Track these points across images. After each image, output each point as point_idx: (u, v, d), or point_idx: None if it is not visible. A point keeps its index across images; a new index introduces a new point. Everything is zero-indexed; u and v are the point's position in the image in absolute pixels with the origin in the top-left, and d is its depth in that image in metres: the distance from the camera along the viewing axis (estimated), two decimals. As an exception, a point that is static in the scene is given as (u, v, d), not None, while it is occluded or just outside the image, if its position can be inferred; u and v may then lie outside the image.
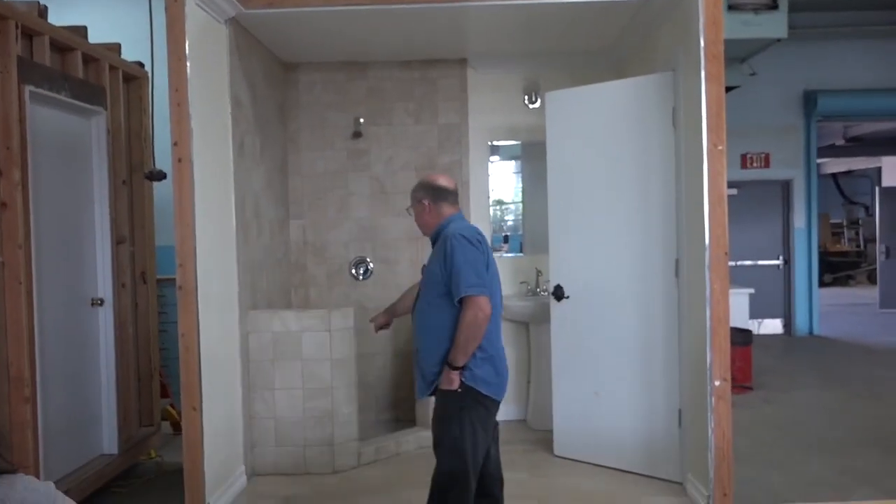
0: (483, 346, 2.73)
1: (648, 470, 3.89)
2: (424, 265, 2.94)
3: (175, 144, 3.33)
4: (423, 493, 3.68)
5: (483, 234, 2.85)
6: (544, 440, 4.47)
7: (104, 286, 4.49)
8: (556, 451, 4.26)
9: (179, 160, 3.33)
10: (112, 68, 4.64)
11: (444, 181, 2.94)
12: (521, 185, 5.40)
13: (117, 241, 4.61)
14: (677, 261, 3.75)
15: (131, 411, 4.74)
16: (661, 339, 3.84)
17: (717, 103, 3.28)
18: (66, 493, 3.80)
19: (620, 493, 3.70)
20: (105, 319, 4.49)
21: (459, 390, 2.70)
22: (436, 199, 2.89)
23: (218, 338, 3.65)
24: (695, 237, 3.50)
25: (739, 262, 9.12)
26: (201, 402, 3.37)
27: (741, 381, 6.13)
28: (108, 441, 4.51)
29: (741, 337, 6.28)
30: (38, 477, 3.64)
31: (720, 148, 3.29)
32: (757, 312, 8.53)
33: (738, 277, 8.25)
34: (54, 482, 3.83)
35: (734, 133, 8.53)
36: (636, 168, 3.90)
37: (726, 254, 3.33)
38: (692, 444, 3.63)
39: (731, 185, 8.98)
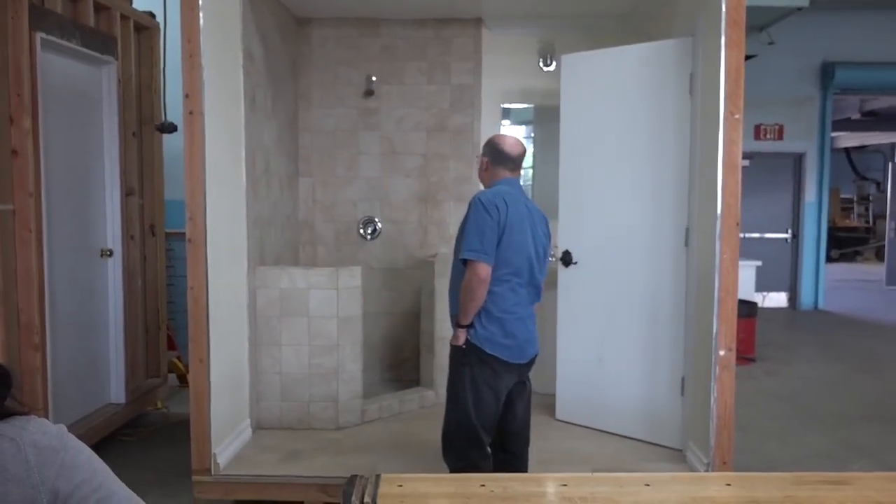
0: (488, 308, 2.82)
1: (649, 436, 3.92)
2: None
3: (187, 96, 3.30)
4: (425, 451, 3.75)
5: (512, 200, 2.87)
6: (546, 404, 4.50)
7: (113, 237, 4.52)
8: (558, 416, 4.29)
9: (191, 112, 3.30)
10: (123, 18, 4.60)
11: (508, 147, 3.01)
12: (532, 149, 5.35)
13: (126, 193, 4.62)
14: (687, 229, 3.73)
15: (139, 362, 4.80)
16: (667, 308, 3.84)
17: (736, 70, 3.23)
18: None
19: (620, 457, 3.73)
20: (114, 270, 4.53)
21: (464, 346, 2.85)
22: (494, 161, 3.00)
23: (226, 292, 3.66)
24: (707, 206, 3.47)
25: (747, 235, 9.08)
26: (209, 354, 3.40)
27: (744, 353, 6.16)
28: (116, 390, 4.58)
29: (746, 309, 6.28)
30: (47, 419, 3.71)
31: (737, 116, 3.25)
32: (763, 285, 8.53)
33: (746, 250, 8.16)
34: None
35: (749, 104, 8.42)
36: (650, 135, 3.86)
37: (738, 224, 3.31)
38: (694, 412, 3.66)
39: (743, 156, 8.95)
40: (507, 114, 5.17)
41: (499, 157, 2.99)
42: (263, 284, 4.04)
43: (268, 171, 4.30)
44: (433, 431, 4.04)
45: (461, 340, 2.86)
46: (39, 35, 3.65)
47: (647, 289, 3.90)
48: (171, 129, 3.60)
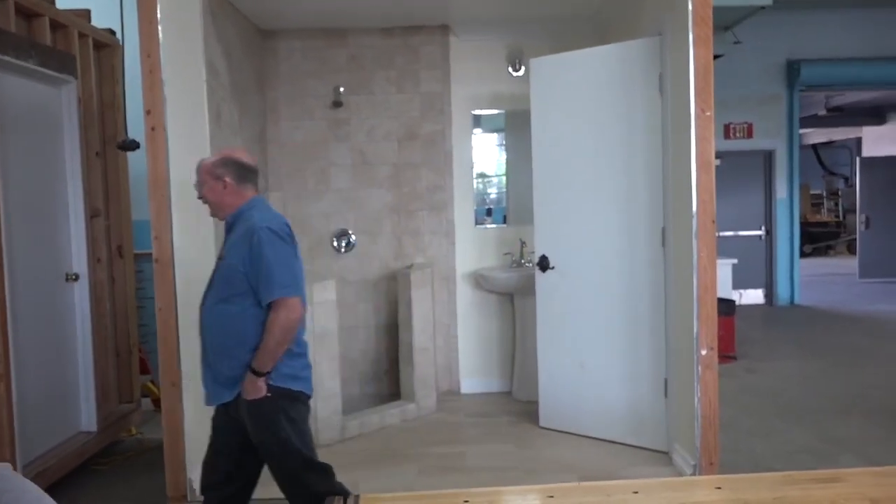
0: (289, 346, 2.50)
1: (635, 440, 3.88)
2: (220, 256, 2.65)
3: (148, 113, 3.22)
4: (408, 467, 3.67)
5: (289, 225, 2.60)
6: (529, 412, 4.45)
7: (78, 261, 4.38)
8: (542, 423, 4.24)
9: (153, 129, 3.22)
10: (82, 35, 4.48)
11: (248, 159, 2.65)
12: (504, 157, 5.31)
13: (91, 215, 4.49)
14: (663, 229, 3.71)
15: (110, 388, 4.66)
16: (647, 309, 3.81)
17: (704, 68, 3.22)
18: (44, 471, 3.74)
19: (606, 463, 3.68)
20: (80, 295, 4.39)
21: (269, 395, 2.47)
22: (240, 180, 2.59)
23: (196, 312, 3.55)
24: (681, 205, 3.45)
25: (722, 233, 9.12)
26: (181, 377, 3.29)
27: (724, 351, 6.14)
28: (87, 418, 4.43)
29: (724, 307, 6.28)
30: (14, 455, 3.57)
31: (708, 114, 3.24)
32: (739, 283, 8.56)
33: (721, 248, 8.16)
34: (31, 460, 3.75)
35: (718, 103, 8.46)
36: (622, 136, 3.83)
37: (713, 221, 3.29)
38: (678, 414, 3.62)
39: (715, 155, 9.02)
40: (477, 122, 5.13)
41: (244, 174, 2.60)
42: (236, 302, 3.94)
43: (236, 187, 4.20)
44: (416, 446, 3.99)
45: (263, 391, 2.46)
46: (-7, 55, 3.53)
47: (626, 290, 3.87)
48: (133, 146, 3.51)
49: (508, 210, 5.22)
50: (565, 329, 4.10)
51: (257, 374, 2.44)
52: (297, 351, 2.57)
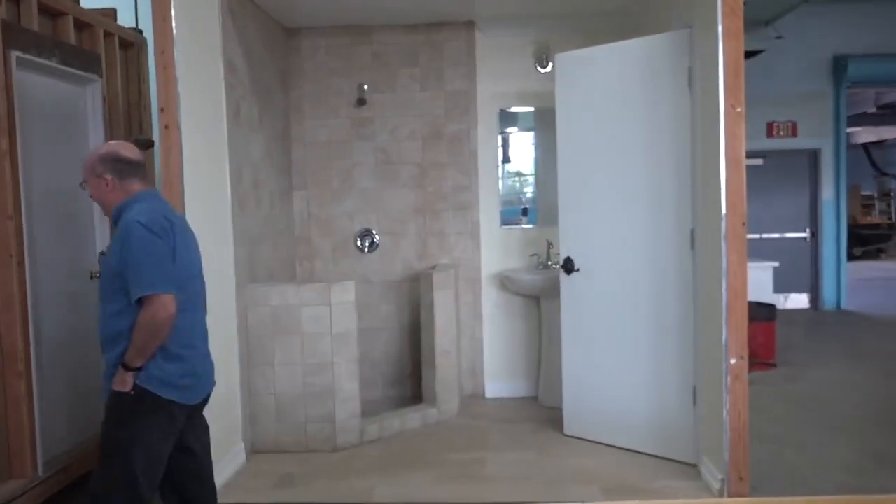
0: (167, 346, 2.37)
1: (661, 451, 3.72)
2: (103, 251, 2.53)
3: (162, 110, 3.18)
4: (425, 474, 3.58)
5: (174, 217, 2.50)
6: (554, 418, 4.32)
7: (103, 259, 4.39)
8: (566, 431, 4.10)
9: (167, 127, 3.18)
10: (107, 34, 4.50)
11: (129, 152, 2.52)
12: (534, 155, 5.17)
13: (116, 214, 4.51)
14: (692, 231, 3.55)
15: (135, 385, 4.67)
16: (675, 314, 3.65)
17: (735, 61, 3.05)
18: (67, 468, 3.74)
19: (631, 474, 3.54)
20: (104, 293, 4.40)
21: (132, 393, 2.35)
22: (122, 175, 2.46)
23: (211, 312, 3.51)
24: (711, 206, 3.29)
25: (764, 235, 8.85)
26: (193, 378, 3.25)
27: (764, 358, 5.92)
28: (112, 415, 4.43)
29: (764, 312, 6.06)
30: (35, 451, 3.58)
31: (738, 110, 3.07)
32: (782, 286, 8.28)
33: (763, 250, 7.99)
34: (55, 456, 3.75)
35: (760, 101, 8.23)
36: (650, 133, 3.68)
37: (744, 224, 3.12)
38: (707, 425, 3.46)
39: (756, 154, 8.73)
40: (512, 120, 5.00)
41: (125, 169, 2.46)
42: (254, 302, 3.90)
43: (256, 186, 4.17)
44: (435, 451, 3.90)
45: (128, 386, 2.34)
46: (15, 53, 3.54)
47: (653, 295, 3.72)
48: (148, 144, 3.48)
49: (538, 210, 5.08)
50: (590, 333, 3.96)
51: (126, 367, 2.34)
52: (175, 353, 2.41)
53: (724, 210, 3.11)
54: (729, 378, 3.15)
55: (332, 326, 3.89)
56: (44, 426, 3.73)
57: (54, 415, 3.88)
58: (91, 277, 4.30)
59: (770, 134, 8.68)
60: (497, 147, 4.96)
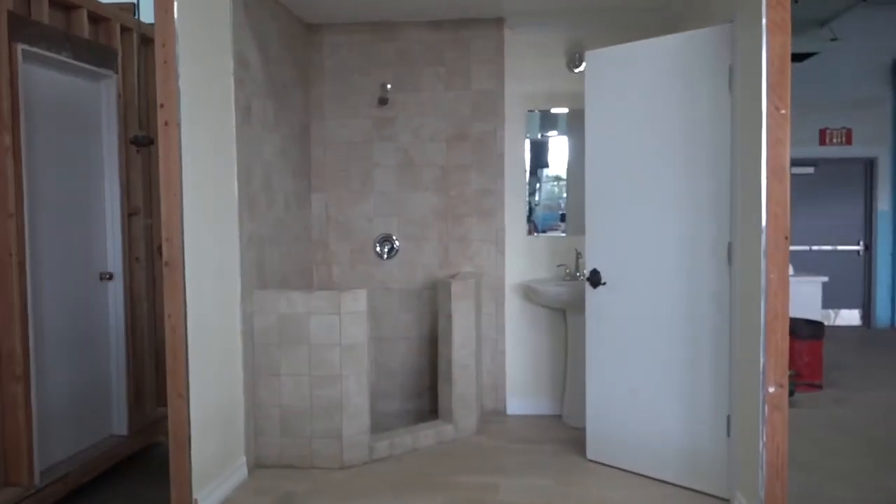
0: None
1: (691, 482, 3.42)
2: None
3: (161, 106, 3.02)
4: (432, 498, 3.35)
5: None
6: (578, 440, 4.05)
7: (114, 260, 4.27)
8: (589, 455, 3.83)
9: (166, 123, 3.02)
10: (125, 29, 4.39)
11: None
12: (568, 158, 4.90)
13: (130, 213, 4.39)
14: (730, 245, 3.25)
15: (145, 391, 4.54)
16: (709, 335, 3.35)
17: (780, 57, 2.75)
18: (67, 475, 3.61)
19: (656, 507, 3.25)
20: (114, 294, 4.28)
21: None
22: None
23: (214, 319, 3.36)
24: (751, 218, 2.99)
25: (814, 248, 8.41)
26: (188, 388, 3.08)
27: (810, 379, 5.57)
28: (118, 421, 4.31)
29: (811, 330, 5.69)
30: (31, 457, 3.46)
31: (783, 112, 2.77)
32: (832, 302, 7.84)
33: (812, 264, 7.57)
34: (55, 462, 3.62)
35: (813, 106, 7.81)
36: (686, 137, 3.39)
37: (787, 238, 2.81)
38: (742, 457, 3.15)
39: (807, 162, 8.30)
40: (552, 122, 4.71)
41: None
42: (260, 309, 3.73)
43: (269, 187, 3.99)
44: (447, 473, 3.66)
45: None
46: (21, 46, 3.43)
47: (686, 313, 3.42)
48: (146, 142, 3.33)
49: (568, 218, 4.81)
50: (617, 352, 3.68)
51: None
52: None
53: (764, 222, 2.81)
54: (766, 408, 2.85)
55: (342, 337, 3.68)
56: (42, 433, 3.60)
57: (54, 422, 3.76)
58: (101, 279, 4.19)
59: (823, 141, 8.24)
60: (524, 150, 4.70)
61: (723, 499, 3.30)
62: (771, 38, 2.76)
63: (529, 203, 4.74)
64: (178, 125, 3.02)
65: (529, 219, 4.74)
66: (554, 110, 4.68)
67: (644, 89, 3.53)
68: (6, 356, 3.41)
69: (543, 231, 4.76)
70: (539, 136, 4.74)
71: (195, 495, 3.13)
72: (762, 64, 2.78)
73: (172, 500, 3.13)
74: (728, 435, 3.29)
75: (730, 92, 3.22)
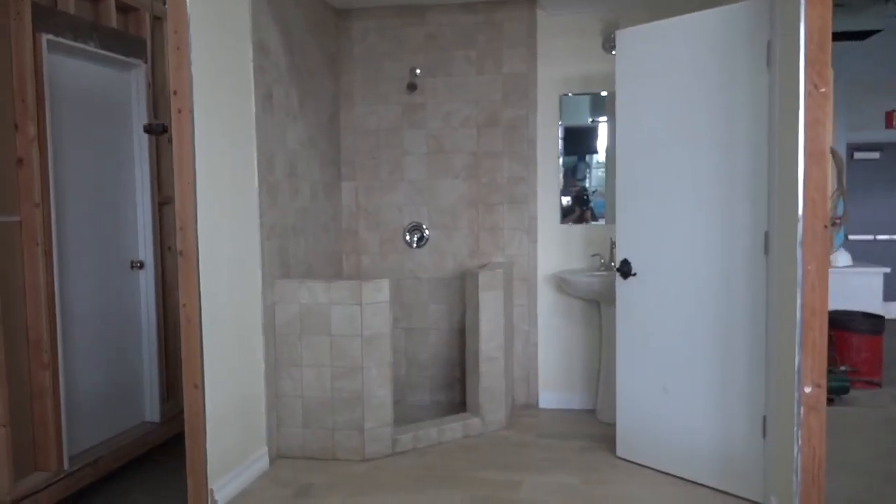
0: None
1: (724, 485, 3.24)
2: None
3: (174, 93, 2.99)
4: (452, 494, 3.26)
5: None
6: (610, 436, 3.90)
7: (145, 248, 4.30)
8: (619, 453, 3.68)
9: (179, 111, 2.99)
10: (156, 19, 4.40)
11: None
12: (607, 144, 4.71)
13: (161, 202, 4.42)
14: (767, 234, 3.04)
15: (177, 380, 4.58)
16: (744, 330, 3.15)
17: (820, 30, 2.54)
18: (97, 460, 3.66)
19: (686, 510, 3.09)
20: (145, 283, 4.31)
21: None
22: None
23: (232, 309, 3.33)
24: (788, 205, 2.78)
25: (879, 237, 7.97)
26: (203, 379, 3.07)
27: (868, 376, 5.28)
28: (151, 409, 4.36)
29: (870, 324, 5.39)
30: (60, 443, 3.51)
31: (822, 90, 2.55)
32: (893, 294, 7.39)
33: (875, 254, 7.17)
34: (85, 449, 3.67)
35: (877, 88, 7.38)
36: (721, 119, 3.19)
37: (826, 227, 2.60)
38: (778, 460, 2.96)
39: (872, 147, 7.85)
40: (602, 107, 4.52)
41: None
42: (282, 299, 3.69)
43: (293, 175, 3.95)
44: (470, 468, 3.57)
45: None
46: (46, 37, 3.45)
47: (720, 306, 3.23)
48: (159, 130, 3.31)
49: (607, 205, 4.62)
50: (647, 346, 3.51)
51: None
52: None
53: (801, 210, 2.60)
54: (802, 409, 2.65)
55: (363, 328, 3.62)
56: (71, 419, 3.65)
57: (84, 408, 3.81)
58: (132, 268, 4.23)
59: (889, 125, 7.77)
60: (558, 136, 4.53)
61: (757, 503, 3.11)
62: (810, 9, 2.54)
63: (584, 189, 4.56)
64: (191, 113, 2.99)
65: (587, 206, 4.56)
66: (603, 93, 4.48)
67: (677, 69, 3.33)
68: (34, 344, 3.46)
69: (596, 219, 4.56)
70: (589, 120, 4.55)
71: (212, 485, 3.12)
72: (800, 37, 2.57)
73: (189, 489, 3.12)
74: (763, 436, 3.10)
75: (768, 70, 3.00)
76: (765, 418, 3.10)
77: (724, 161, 3.18)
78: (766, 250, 3.05)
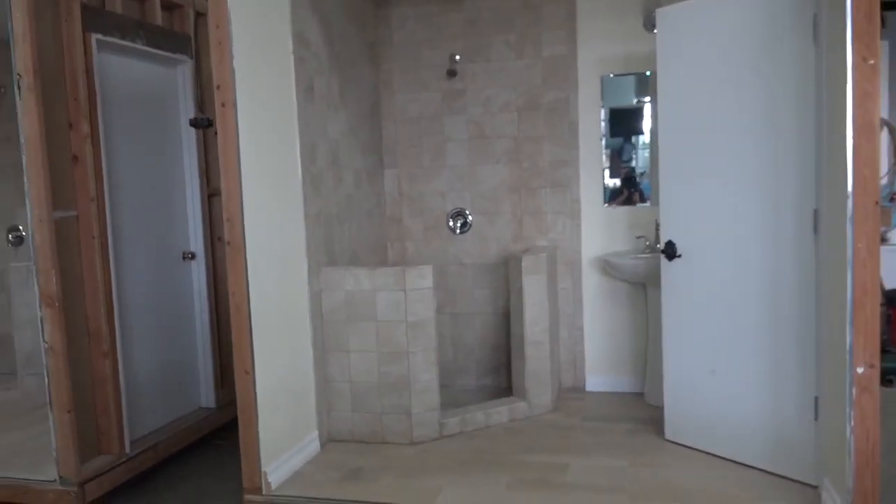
0: None
1: (775, 467, 3.20)
2: None
3: (218, 88, 3.06)
4: (499, 477, 3.29)
5: None
6: (657, 419, 3.88)
7: (195, 240, 4.43)
8: (668, 435, 3.66)
9: (223, 105, 3.06)
10: (200, 15, 4.50)
11: None
12: (651, 125, 4.64)
13: (210, 194, 4.53)
14: (816, 212, 2.97)
15: (231, 366, 4.70)
16: (793, 310, 3.09)
17: (867, 3, 2.46)
18: (157, 445, 3.81)
19: (736, 494, 3.05)
20: (197, 273, 4.44)
21: None
22: None
23: (280, 297, 3.41)
24: (838, 182, 2.71)
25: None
26: (253, 365, 3.15)
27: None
28: (206, 395, 4.50)
29: (929, 303, 5.20)
30: (122, 429, 3.66)
31: (871, 62, 2.48)
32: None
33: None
34: (145, 434, 3.82)
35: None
36: (767, 96, 3.12)
37: (877, 203, 2.54)
38: (831, 441, 2.91)
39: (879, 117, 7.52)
40: (646, 88, 4.45)
41: None
42: (328, 286, 3.76)
43: (336, 164, 4.00)
44: (517, 451, 3.59)
45: None
46: (95, 36, 3.56)
47: (768, 286, 3.17)
48: (204, 124, 3.38)
49: (651, 186, 4.56)
50: (694, 328, 3.47)
51: None
52: None
53: (850, 186, 2.54)
54: (855, 390, 2.60)
55: (407, 314, 3.66)
56: (131, 405, 3.80)
57: (141, 395, 3.95)
58: (184, 258, 4.36)
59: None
60: (599, 117, 4.49)
61: (810, 485, 3.07)
62: (857, -21, 2.47)
63: (633, 170, 4.51)
64: (235, 106, 3.05)
65: (635, 188, 4.52)
66: (649, 73, 4.42)
67: (720, 46, 3.26)
68: (94, 334, 3.60)
69: (644, 201, 4.52)
70: (635, 101, 4.50)
71: (265, 468, 3.21)
72: (847, 8, 2.50)
73: (243, 472, 3.23)
74: (815, 418, 3.05)
75: (814, 44, 2.92)
76: (816, 399, 3.04)
77: (771, 138, 3.11)
78: (816, 228, 2.98)
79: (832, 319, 2.83)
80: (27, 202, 3.21)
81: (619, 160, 4.52)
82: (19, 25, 3.14)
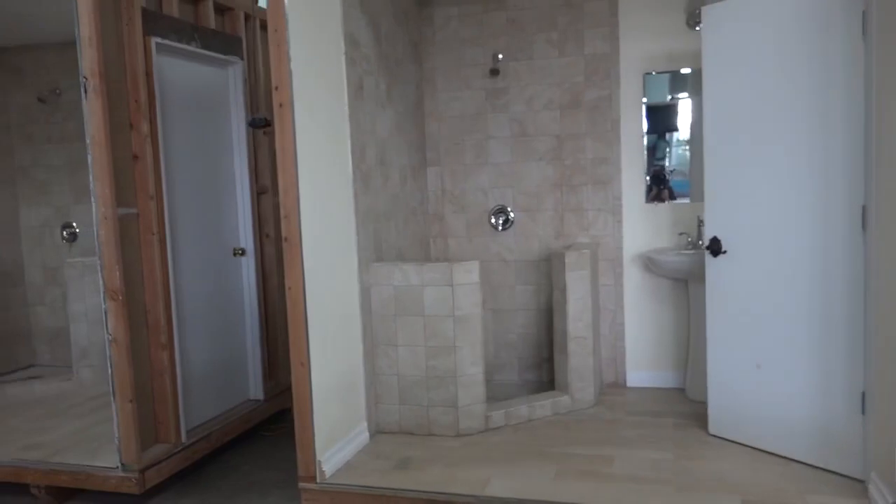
0: None
1: (821, 461, 3.23)
2: None
3: (276, 89, 3.17)
4: (546, 468, 3.36)
5: None
6: (700, 414, 3.92)
7: (245, 236, 4.56)
8: (711, 430, 3.69)
9: (280, 105, 3.16)
10: (249, 17, 4.62)
11: None
12: (691, 121, 4.67)
13: (259, 192, 4.66)
14: (864, 208, 2.99)
15: (279, 360, 4.84)
16: (841, 305, 3.11)
17: (920, -1, 2.48)
18: (209, 434, 3.94)
19: (781, 487, 3.08)
20: (247, 269, 4.58)
21: None
22: None
23: (333, 291, 3.51)
24: (887, 178, 2.74)
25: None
26: (309, 358, 3.26)
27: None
28: (255, 387, 4.64)
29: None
30: (178, 419, 3.79)
31: (924, 59, 2.50)
32: None
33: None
34: (198, 424, 3.95)
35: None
36: (814, 92, 3.14)
37: (929, 199, 2.56)
38: (879, 436, 2.93)
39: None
40: (682, 84, 4.47)
41: None
42: (377, 282, 3.85)
43: (383, 162, 4.10)
44: (562, 444, 3.66)
45: None
46: (154, 40, 3.70)
47: (815, 282, 3.19)
48: (263, 123, 3.49)
49: (692, 183, 4.59)
50: (739, 324, 3.50)
51: None
52: None
53: (901, 183, 2.57)
54: (905, 385, 2.63)
55: (455, 308, 3.75)
56: (186, 395, 3.94)
57: (196, 385, 4.09)
58: (234, 254, 4.49)
59: None
60: (641, 115, 4.52)
61: (856, 479, 3.09)
62: (909, -23, 2.49)
63: (663, 168, 4.55)
64: (292, 106, 3.16)
65: (664, 185, 4.56)
66: (683, 71, 4.44)
67: (767, 41, 3.29)
68: (153, 326, 3.74)
69: (673, 198, 4.55)
70: (669, 98, 4.53)
71: (319, 457, 3.31)
72: (899, 7, 2.52)
73: (299, 462, 3.33)
74: (863, 412, 3.07)
75: (864, 39, 2.94)
76: (864, 394, 3.06)
77: (819, 134, 3.13)
78: (864, 225, 3.00)
79: (881, 315, 2.85)
80: (92, 200, 3.34)
81: (652, 157, 4.55)
82: (85, 30, 3.28)
